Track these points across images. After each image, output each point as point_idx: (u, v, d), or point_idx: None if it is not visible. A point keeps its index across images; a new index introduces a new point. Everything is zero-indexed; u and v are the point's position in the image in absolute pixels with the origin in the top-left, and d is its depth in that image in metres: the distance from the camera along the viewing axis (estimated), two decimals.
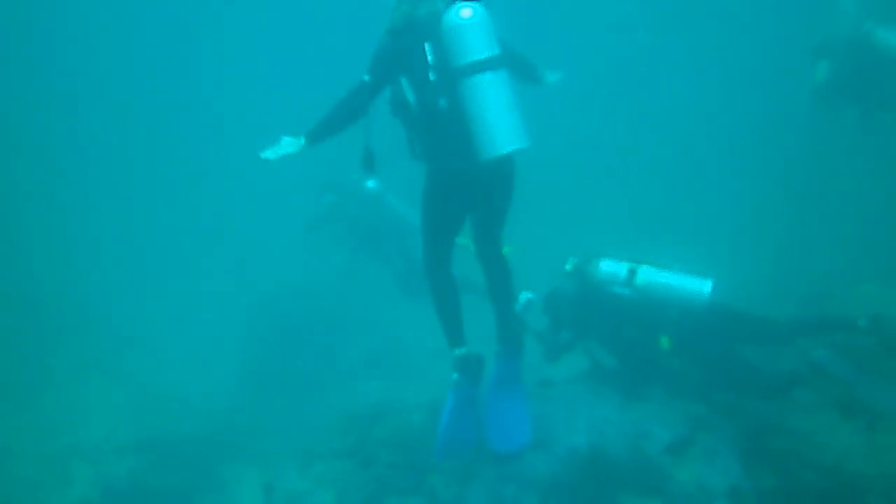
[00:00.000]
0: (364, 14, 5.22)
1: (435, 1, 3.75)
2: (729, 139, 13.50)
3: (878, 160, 8.18)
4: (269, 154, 3.75)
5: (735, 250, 9.62)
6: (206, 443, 7.52)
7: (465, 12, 3.55)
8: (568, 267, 4.71)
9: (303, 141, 3.79)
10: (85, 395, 8.71)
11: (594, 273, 4.53)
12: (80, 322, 10.35)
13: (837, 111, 6.83)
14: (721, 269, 4.74)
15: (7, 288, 9.50)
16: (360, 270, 8.61)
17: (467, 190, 3.93)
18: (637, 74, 16.61)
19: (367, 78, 3.79)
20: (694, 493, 3.90)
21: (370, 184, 8.18)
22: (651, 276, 4.40)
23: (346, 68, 3.92)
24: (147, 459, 7.18)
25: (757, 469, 4.08)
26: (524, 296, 4.72)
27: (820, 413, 4.11)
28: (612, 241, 5.25)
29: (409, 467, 4.57)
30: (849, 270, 6.64)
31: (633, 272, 4.43)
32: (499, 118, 3.55)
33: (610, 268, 4.51)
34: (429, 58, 3.67)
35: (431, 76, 3.67)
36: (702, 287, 4.30)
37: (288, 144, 3.78)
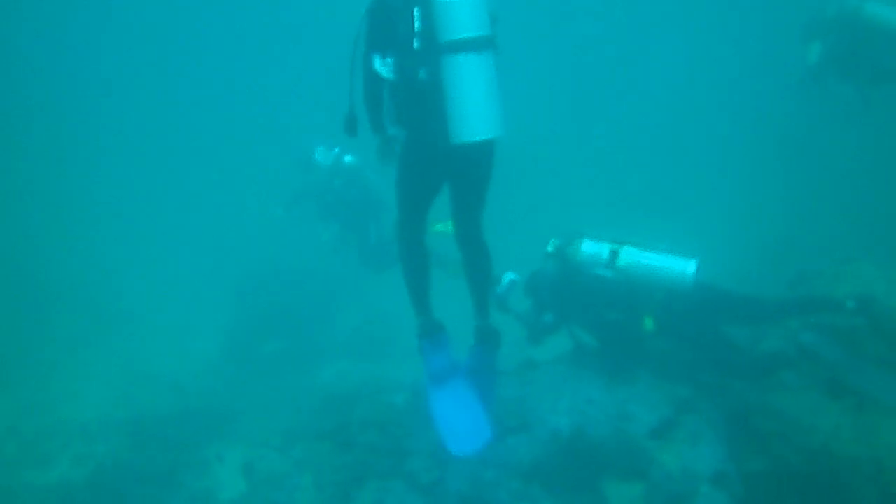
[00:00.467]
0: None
1: None
2: (721, 120, 13.43)
3: (875, 137, 8.11)
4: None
5: (728, 230, 9.61)
6: (189, 422, 7.46)
7: None
8: (549, 248, 4.57)
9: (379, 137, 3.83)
10: (69, 374, 8.68)
11: (575, 255, 4.39)
12: (66, 301, 10.33)
13: (830, 90, 6.72)
14: (713, 249, 4.63)
15: None
16: (349, 247, 8.51)
17: (443, 164, 3.76)
18: (626, 55, 16.53)
19: (375, 63, 3.59)
20: (678, 476, 3.83)
21: (347, 158, 8.09)
22: (633, 257, 4.27)
23: (345, 68, 3.72)
24: (130, 438, 7.11)
25: (743, 452, 4.02)
26: (507, 276, 4.59)
27: (807, 395, 4.05)
28: (602, 220, 5.12)
29: (390, 450, 4.49)
30: (840, 248, 6.56)
31: (615, 253, 4.31)
32: (475, 103, 3.41)
33: (591, 249, 4.36)
34: (416, 24, 3.46)
35: (416, 44, 3.47)
36: (685, 267, 4.18)
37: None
